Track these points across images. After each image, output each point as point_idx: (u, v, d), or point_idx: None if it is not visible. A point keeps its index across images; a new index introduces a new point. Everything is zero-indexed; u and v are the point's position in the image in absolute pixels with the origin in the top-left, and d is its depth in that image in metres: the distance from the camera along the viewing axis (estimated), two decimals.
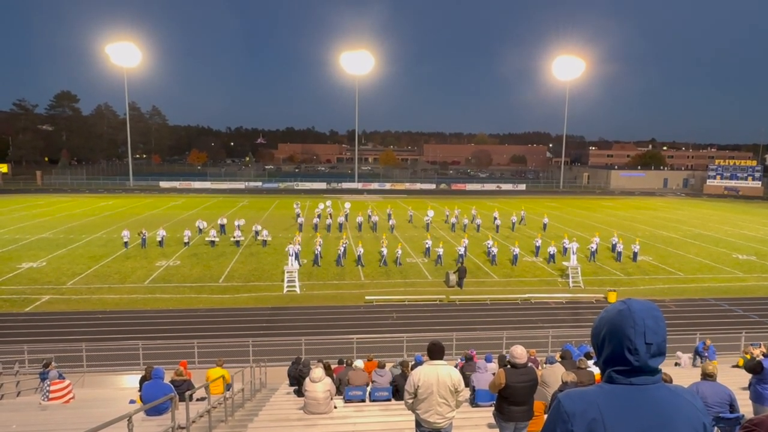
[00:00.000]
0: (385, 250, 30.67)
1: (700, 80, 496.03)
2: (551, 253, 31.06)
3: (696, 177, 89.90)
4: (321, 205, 45.86)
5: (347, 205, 47.21)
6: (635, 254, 31.93)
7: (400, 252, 30.57)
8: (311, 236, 36.60)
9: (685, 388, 1.97)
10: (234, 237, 34.69)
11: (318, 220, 41.97)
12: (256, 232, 35.65)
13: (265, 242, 34.19)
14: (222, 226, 37.67)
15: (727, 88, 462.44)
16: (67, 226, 41.24)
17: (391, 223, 41.59)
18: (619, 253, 32.33)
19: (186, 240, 33.93)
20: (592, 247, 32.23)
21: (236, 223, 36.48)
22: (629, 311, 1.85)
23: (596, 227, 43.35)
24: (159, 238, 33.74)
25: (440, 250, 30.73)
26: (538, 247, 32.74)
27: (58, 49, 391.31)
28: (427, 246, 32.41)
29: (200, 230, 37.66)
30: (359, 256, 29.99)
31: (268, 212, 51.66)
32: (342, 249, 30.24)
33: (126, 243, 32.92)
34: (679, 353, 16.41)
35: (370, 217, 43.79)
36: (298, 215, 43.09)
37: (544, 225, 41.88)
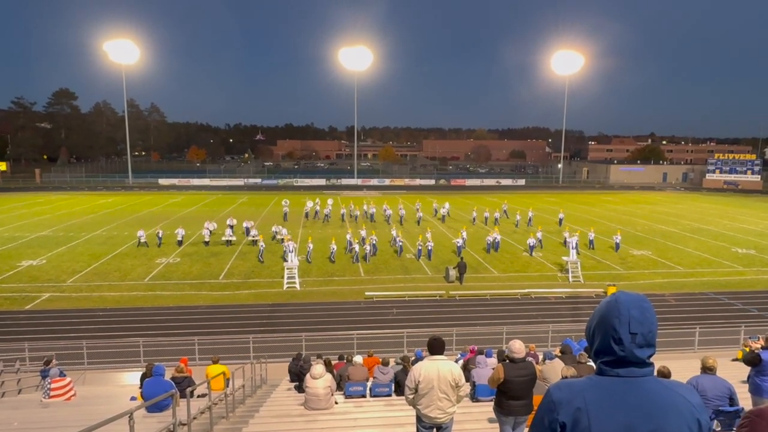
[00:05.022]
0: (356, 247, 30.18)
1: (700, 74, 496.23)
2: (530, 244, 31.77)
3: (695, 171, 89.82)
4: (309, 203, 45.48)
5: (330, 201, 46.45)
6: (617, 245, 32.47)
7: (368, 249, 30.18)
8: (306, 233, 36.61)
9: (681, 383, 1.97)
10: (251, 236, 34.71)
11: (306, 218, 42.22)
12: (275, 233, 35.18)
13: (282, 240, 33.68)
14: (231, 226, 36.54)
15: (727, 82, 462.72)
16: (66, 223, 41.23)
17: (419, 215, 42.02)
18: (591, 241, 33.19)
19: (206, 239, 34.08)
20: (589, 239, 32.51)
21: (245, 225, 36.51)
22: (616, 302, 1.90)
23: (595, 222, 43.35)
24: (160, 235, 33.57)
25: (431, 244, 30.85)
26: (532, 246, 32.03)
27: (56, 46, 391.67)
28: (399, 244, 31.79)
29: (210, 232, 35.87)
30: (332, 253, 30.02)
31: (267, 209, 51.59)
32: (311, 246, 30.27)
33: (145, 242, 32.84)
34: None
35: (385, 211, 44.04)
36: (286, 214, 42.83)
37: (560, 220, 41.79)
